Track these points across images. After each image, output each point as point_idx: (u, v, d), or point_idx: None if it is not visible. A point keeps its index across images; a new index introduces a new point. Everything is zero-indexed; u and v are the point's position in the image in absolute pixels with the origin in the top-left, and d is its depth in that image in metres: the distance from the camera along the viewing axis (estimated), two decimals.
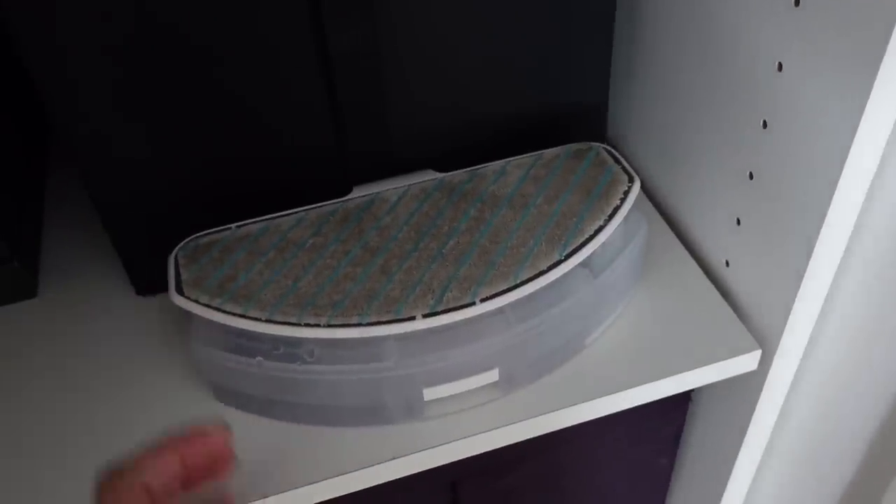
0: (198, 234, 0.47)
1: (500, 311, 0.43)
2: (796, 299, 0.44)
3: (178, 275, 0.44)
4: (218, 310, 0.42)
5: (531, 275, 0.43)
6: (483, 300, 0.42)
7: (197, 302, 0.43)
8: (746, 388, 0.51)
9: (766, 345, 0.48)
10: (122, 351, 0.50)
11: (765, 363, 0.48)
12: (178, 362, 0.49)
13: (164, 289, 0.45)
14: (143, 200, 0.48)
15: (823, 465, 0.53)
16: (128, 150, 0.46)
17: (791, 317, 0.45)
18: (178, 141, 0.47)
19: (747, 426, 0.52)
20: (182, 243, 0.47)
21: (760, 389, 0.50)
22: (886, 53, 0.34)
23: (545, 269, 0.43)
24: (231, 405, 0.47)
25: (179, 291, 0.43)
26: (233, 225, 0.47)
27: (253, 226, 0.47)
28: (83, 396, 0.48)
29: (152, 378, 0.49)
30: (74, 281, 0.56)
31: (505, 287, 0.42)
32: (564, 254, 0.44)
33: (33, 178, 0.63)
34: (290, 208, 0.48)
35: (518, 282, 0.43)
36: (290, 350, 0.42)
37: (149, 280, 0.53)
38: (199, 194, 0.49)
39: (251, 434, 0.45)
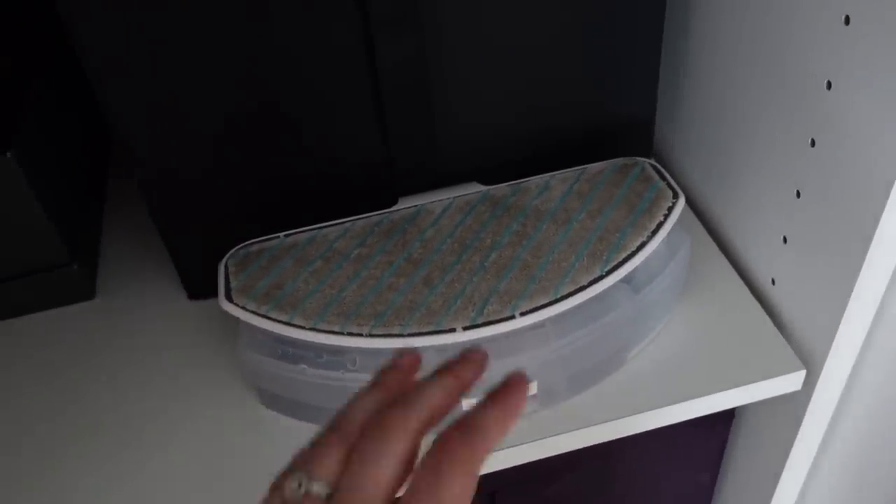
0: (248, 242, 0.48)
1: (540, 325, 0.43)
2: (842, 320, 0.44)
3: (227, 281, 0.46)
4: (264, 317, 0.44)
5: (571, 290, 0.43)
6: (523, 314, 0.42)
7: (244, 309, 0.44)
8: (791, 408, 0.50)
9: (812, 365, 0.47)
10: (173, 353, 0.52)
11: (809, 383, 0.48)
12: (227, 366, 0.51)
13: (215, 294, 0.46)
14: (196, 211, 0.50)
15: (868, 487, 0.52)
16: (184, 164, 0.48)
17: (837, 337, 0.45)
18: (231, 155, 0.48)
19: (791, 446, 0.51)
20: (232, 251, 0.48)
21: (805, 409, 0.49)
22: None
23: (586, 284, 0.43)
24: (276, 410, 0.48)
25: (228, 298, 0.45)
26: (281, 234, 0.49)
27: (300, 235, 0.48)
28: (134, 396, 0.50)
29: (201, 380, 0.50)
30: (130, 284, 0.58)
31: (545, 301, 0.43)
32: (606, 269, 0.44)
33: (94, 183, 0.65)
34: (337, 218, 0.49)
35: (558, 296, 0.43)
36: (333, 358, 0.43)
37: (200, 285, 0.54)
38: (250, 205, 0.50)
39: (294, 439, 0.46)
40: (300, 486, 0.27)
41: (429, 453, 0.27)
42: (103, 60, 0.43)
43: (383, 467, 0.27)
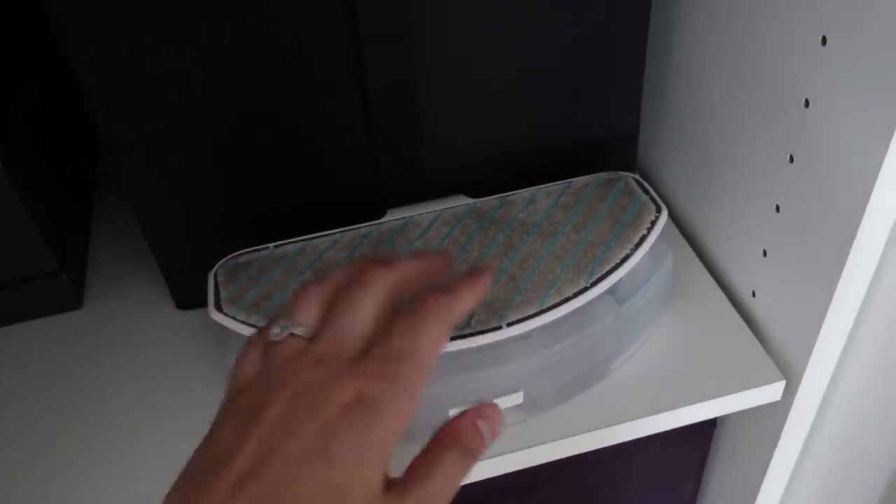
0: (237, 253, 0.49)
1: (527, 335, 0.44)
2: (821, 331, 0.45)
3: (217, 291, 0.46)
4: (254, 327, 0.44)
5: (557, 301, 0.44)
6: (509, 324, 0.43)
7: (234, 318, 0.44)
8: (771, 418, 0.51)
9: (791, 375, 0.48)
10: (161, 363, 0.52)
11: (789, 394, 0.49)
12: (215, 376, 0.51)
13: (204, 304, 0.46)
14: (186, 221, 0.51)
15: (847, 495, 0.53)
16: (174, 174, 0.48)
17: (816, 348, 0.46)
18: (221, 167, 0.49)
19: (771, 455, 0.52)
20: (222, 261, 0.48)
21: (785, 419, 0.50)
22: None
23: (571, 295, 0.44)
24: None
25: (218, 308, 0.45)
26: (271, 245, 0.49)
27: (290, 246, 0.49)
28: (121, 406, 0.50)
29: (189, 390, 0.50)
30: (118, 293, 0.58)
31: (531, 312, 0.44)
32: (590, 281, 0.45)
33: (82, 192, 0.66)
34: (327, 230, 0.50)
35: (544, 307, 0.44)
36: None
37: (189, 295, 0.55)
38: (239, 215, 0.51)
39: None
40: (282, 330, 0.29)
41: (407, 308, 0.29)
42: (93, 69, 0.43)
43: (360, 310, 0.29)
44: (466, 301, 0.31)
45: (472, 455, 0.29)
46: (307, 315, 0.29)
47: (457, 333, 0.43)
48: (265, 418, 0.26)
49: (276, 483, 0.25)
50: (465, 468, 0.29)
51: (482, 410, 0.31)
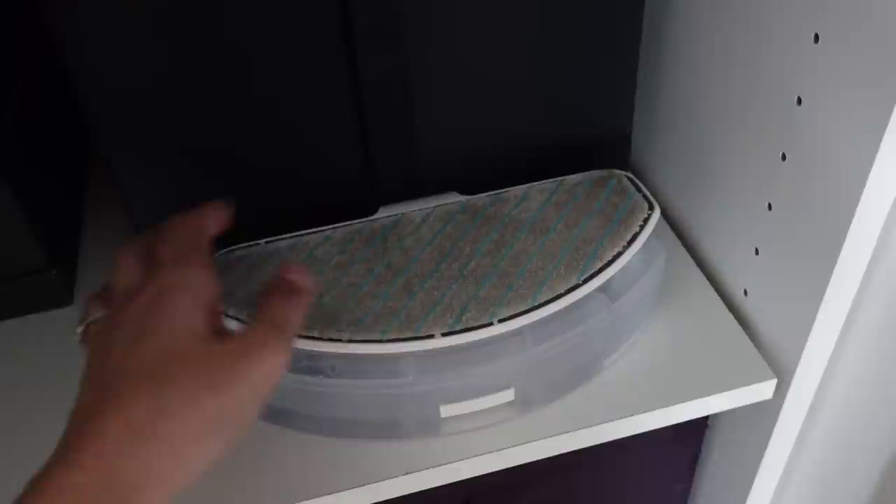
0: (228, 249, 0.49)
1: (518, 332, 0.44)
2: (813, 329, 0.45)
3: None
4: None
5: (549, 297, 0.44)
6: (501, 321, 0.43)
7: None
8: (763, 417, 0.51)
9: (783, 374, 0.48)
10: None
11: (780, 392, 0.49)
12: None
13: None
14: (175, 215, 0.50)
15: (839, 494, 0.53)
16: (165, 171, 0.48)
17: (807, 347, 0.46)
18: (213, 163, 0.48)
19: (763, 454, 0.52)
20: (213, 257, 0.48)
21: (776, 418, 0.50)
22: None
23: (563, 292, 0.44)
24: None
25: None
26: (262, 241, 0.49)
27: (281, 242, 0.49)
28: None
29: None
30: None
31: (523, 309, 0.43)
32: (582, 278, 0.45)
33: (73, 188, 0.65)
34: (318, 226, 0.50)
35: (536, 304, 0.44)
36: (312, 363, 0.44)
37: None
38: (232, 210, 0.50)
39: (270, 444, 0.47)
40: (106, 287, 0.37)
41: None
42: (84, 66, 0.43)
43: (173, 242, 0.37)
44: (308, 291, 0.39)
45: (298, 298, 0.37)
46: (126, 276, 0.37)
47: (448, 330, 0.43)
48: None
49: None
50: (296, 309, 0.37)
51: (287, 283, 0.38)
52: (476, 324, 0.43)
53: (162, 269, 0.35)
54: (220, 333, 0.35)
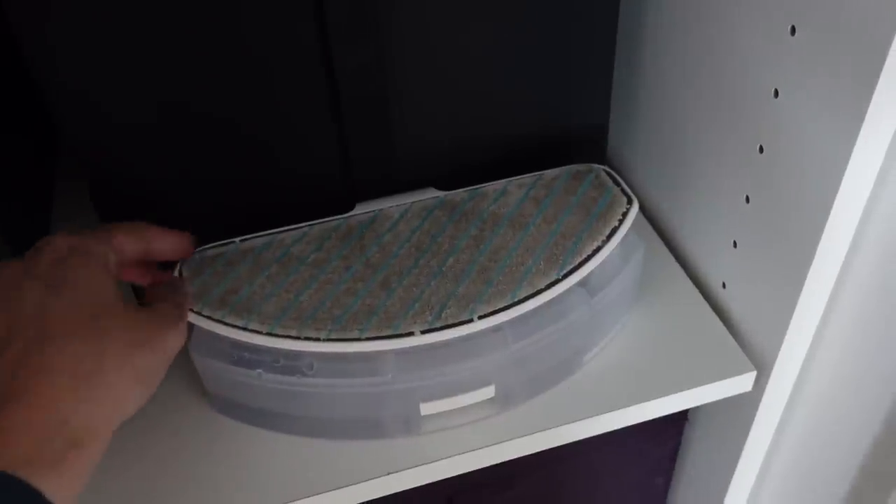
0: (202, 248, 0.48)
1: (498, 328, 0.43)
2: (791, 321, 0.45)
3: None
4: (220, 322, 0.43)
5: (529, 293, 0.44)
6: (481, 317, 0.43)
7: (199, 314, 0.43)
8: (742, 409, 0.51)
9: (762, 366, 0.48)
10: None
11: (760, 384, 0.49)
12: (180, 373, 0.50)
13: None
14: (147, 214, 0.49)
15: (818, 484, 0.53)
16: (136, 168, 0.47)
17: (786, 339, 0.46)
18: (185, 159, 0.47)
19: (742, 446, 0.53)
20: None
21: (756, 410, 0.50)
22: (880, 80, 0.35)
23: (543, 287, 0.44)
24: (229, 416, 0.47)
25: None
26: (237, 239, 0.48)
27: (256, 240, 0.48)
28: None
29: None
30: None
31: (503, 305, 0.43)
32: (562, 273, 0.45)
33: (40, 185, 0.64)
34: (294, 223, 0.49)
35: (516, 300, 0.43)
36: (289, 363, 0.43)
37: None
38: (204, 209, 0.50)
39: (248, 446, 0.46)
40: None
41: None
42: (50, 63, 0.42)
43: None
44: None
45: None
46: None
47: (428, 327, 0.42)
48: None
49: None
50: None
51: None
52: (456, 321, 0.42)
53: (75, 235, 0.39)
54: (128, 302, 0.38)
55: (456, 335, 0.42)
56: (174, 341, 0.38)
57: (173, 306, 0.40)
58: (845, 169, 0.38)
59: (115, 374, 0.34)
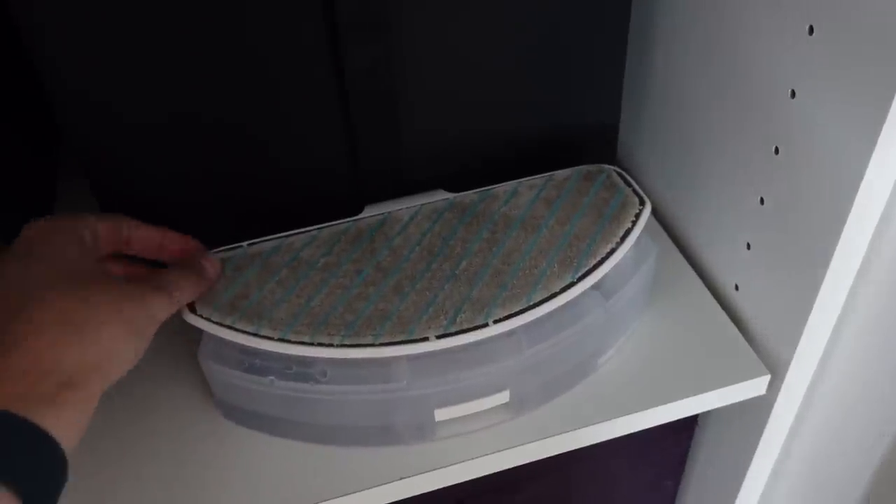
0: (210, 252, 0.47)
1: (513, 332, 0.43)
2: (806, 325, 0.45)
3: None
4: (230, 328, 0.42)
5: (544, 297, 0.43)
6: (496, 322, 0.42)
7: (209, 320, 0.43)
8: (754, 413, 0.51)
9: (776, 370, 0.48)
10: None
11: (773, 388, 0.48)
12: (189, 380, 0.49)
13: None
14: (156, 220, 0.48)
15: (830, 491, 0.53)
16: (141, 167, 0.46)
17: (800, 343, 0.45)
18: (192, 162, 0.47)
19: (754, 451, 0.52)
20: None
21: (769, 414, 0.50)
22: None
23: (558, 290, 0.43)
24: (240, 423, 0.46)
25: (191, 309, 0.43)
26: (244, 243, 0.47)
27: (265, 244, 0.47)
28: None
29: (162, 394, 0.48)
30: None
31: (518, 309, 0.42)
32: (577, 276, 0.44)
33: (42, 185, 0.63)
34: (302, 226, 0.48)
35: (531, 303, 0.43)
36: (302, 370, 0.42)
37: None
38: (211, 212, 0.49)
39: (260, 453, 0.45)
40: None
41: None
42: (56, 64, 0.41)
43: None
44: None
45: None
46: None
47: (443, 332, 0.42)
48: None
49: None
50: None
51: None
52: (471, 325, 0.42)
53: (53, 217, 0.41)
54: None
55: (471, 340, 0.42)
56: (159, 305, 0.39)
57: (157, 285, 0.40)
58: (864, 171, 0.38)
59: (105, 322, 0.36)
